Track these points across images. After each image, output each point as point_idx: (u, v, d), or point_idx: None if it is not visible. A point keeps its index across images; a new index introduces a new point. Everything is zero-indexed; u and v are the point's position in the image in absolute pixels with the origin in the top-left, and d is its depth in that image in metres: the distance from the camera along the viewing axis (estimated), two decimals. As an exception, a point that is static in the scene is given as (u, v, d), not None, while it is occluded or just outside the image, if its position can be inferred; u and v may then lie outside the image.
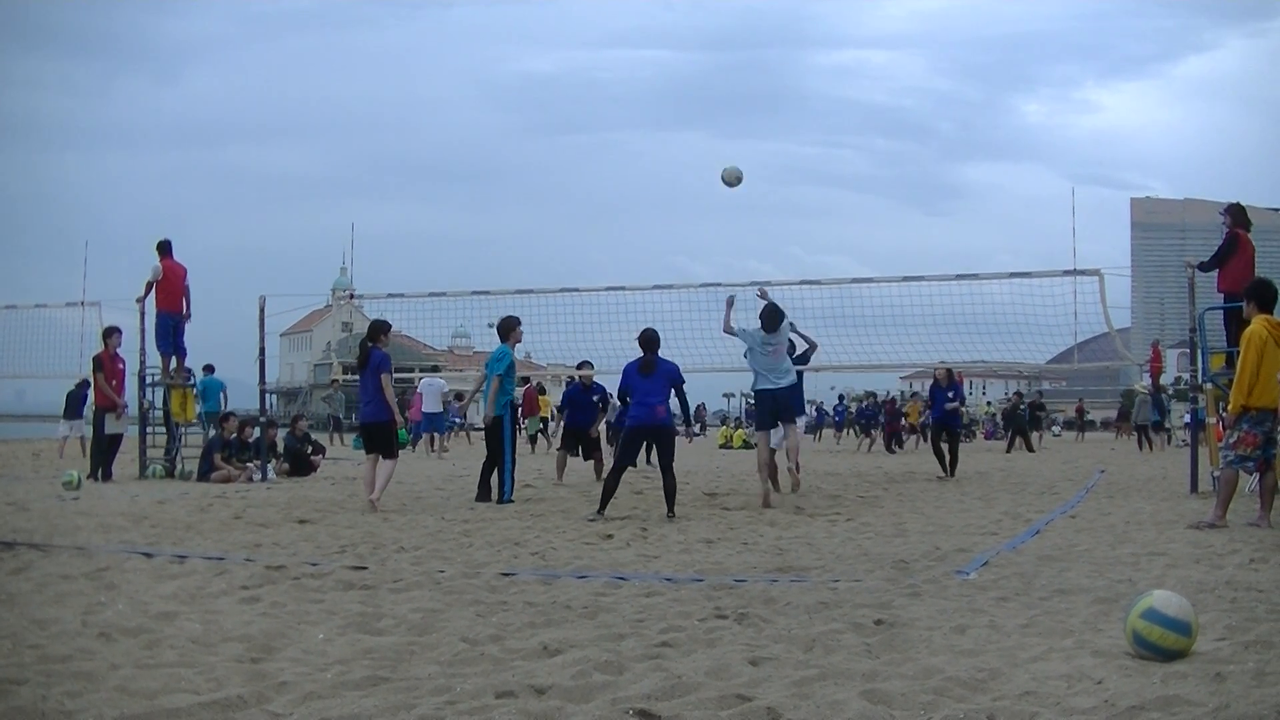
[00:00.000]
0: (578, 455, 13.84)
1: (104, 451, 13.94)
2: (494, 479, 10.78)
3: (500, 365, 10.89)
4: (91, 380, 14.17)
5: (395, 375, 10.52)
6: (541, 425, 27.88)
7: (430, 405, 23.05)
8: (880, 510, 9.88)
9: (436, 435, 23.45)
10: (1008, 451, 25.49)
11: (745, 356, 10.90)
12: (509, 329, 11.07)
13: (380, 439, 10.35)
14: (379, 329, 10.61)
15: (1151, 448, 26.13)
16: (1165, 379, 30.41)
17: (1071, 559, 6.50)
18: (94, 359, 14.25)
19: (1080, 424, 40.65)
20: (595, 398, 14.25)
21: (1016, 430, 27.08)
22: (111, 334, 14.42)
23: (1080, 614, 4.75)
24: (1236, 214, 11.01)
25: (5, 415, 53.59)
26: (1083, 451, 26.74)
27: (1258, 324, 7.80)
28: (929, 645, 4.22)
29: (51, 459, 18.61)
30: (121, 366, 14.46)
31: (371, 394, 10.33)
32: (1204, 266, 11.20)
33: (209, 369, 18.97)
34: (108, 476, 13.63)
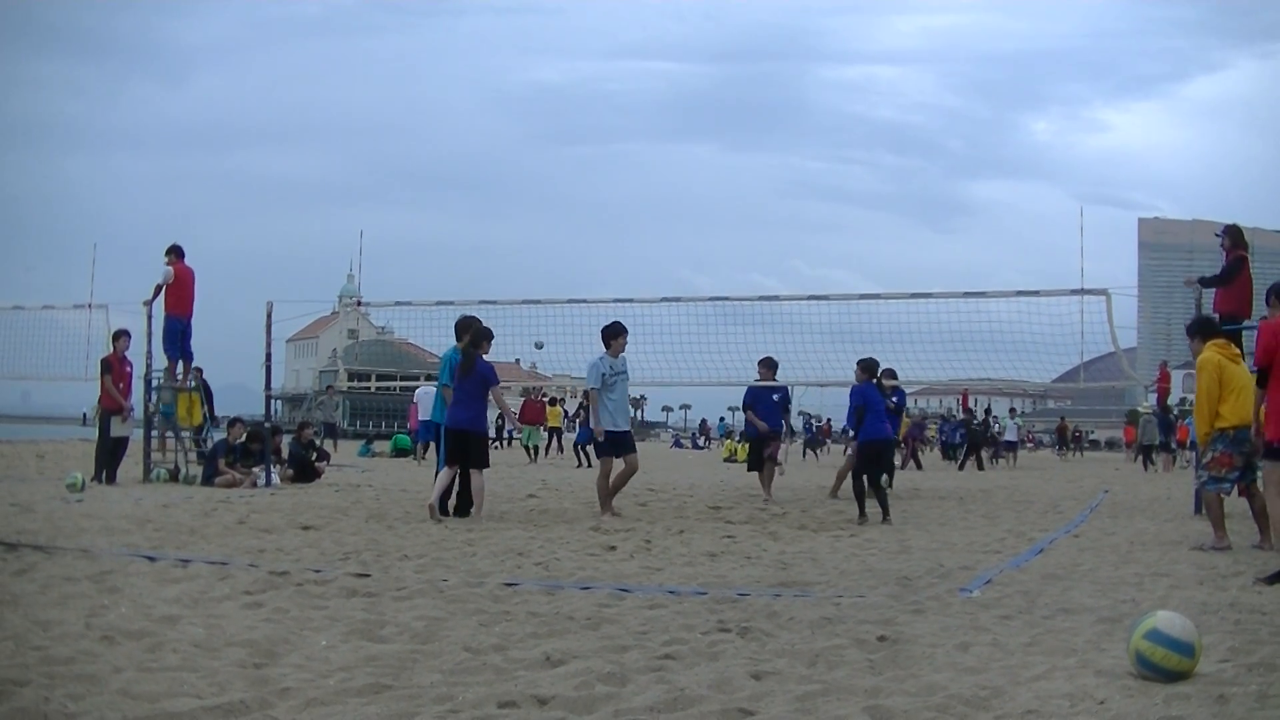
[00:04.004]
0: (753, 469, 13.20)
1: (109, 454, 13.97)
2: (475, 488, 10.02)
3: (442, 374, 10.42)
4: (100, 383, 14.19)
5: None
6: (548, 436, 28.08)
7: (425, 413, 23.08)
8: (884, 526, 9.86)
9: (431, 444, 23.49)
10: (960, 469, 25.57)
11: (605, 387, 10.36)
12: (459, 331, 10.18)
13: (477, 451, 9.97)
14: (482, 336, 10.04)
15: (1156, 468, 26.13)
16: (1171, 399, 30.45)
17: (1075, 578, 6.49)
18: (102, 361, 14.28)
19: (1062, 442, 41.81)
20: (776, 397, 13.14)
21: (973, 447, 27.19)
22: (120, 337, 14.48)
23: (1084, 633, 4.75)
24: (1236, 236, 10.99)
25: (11, 417, 53.77)
26: (1087, 471, 26.71)
27: (1207, 351, 8.08)
28: (932, 662, 4.22)
29: (57, 461, 18.59)
30: (129, 370, 14.50)
31: (470, 402, 9.87)
32: (1206, 282, 11.19)
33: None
34: (112, 479, 13.65)
